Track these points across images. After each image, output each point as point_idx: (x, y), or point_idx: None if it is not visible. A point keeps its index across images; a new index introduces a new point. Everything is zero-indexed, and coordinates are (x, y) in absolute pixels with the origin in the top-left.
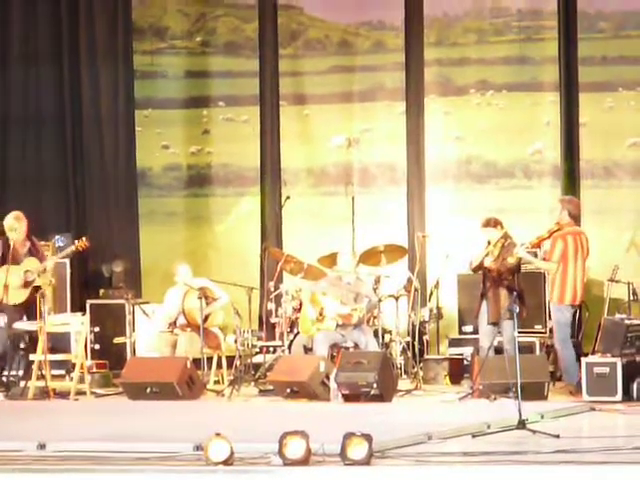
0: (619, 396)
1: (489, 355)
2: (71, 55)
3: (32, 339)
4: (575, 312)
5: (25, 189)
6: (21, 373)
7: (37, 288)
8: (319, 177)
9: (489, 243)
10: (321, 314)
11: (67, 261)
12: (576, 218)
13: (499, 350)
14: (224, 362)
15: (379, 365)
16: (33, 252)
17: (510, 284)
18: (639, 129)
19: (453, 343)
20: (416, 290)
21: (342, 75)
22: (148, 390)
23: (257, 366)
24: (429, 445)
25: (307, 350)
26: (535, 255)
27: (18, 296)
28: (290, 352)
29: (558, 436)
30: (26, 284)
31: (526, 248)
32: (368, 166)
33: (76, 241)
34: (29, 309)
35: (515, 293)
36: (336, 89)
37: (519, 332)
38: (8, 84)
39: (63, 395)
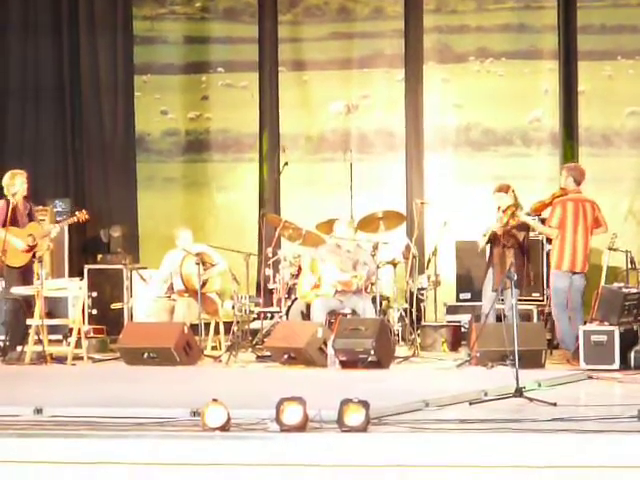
0: (616, 364)
1: (487, 322)
2: (70, 21)
3: (29, 304)
4: (572, 280)
5: (24, 154)
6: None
7: (34, 253)
8: (317, 143)
9: (499, 209)
10: (319, 280)
11: (65, 226)
12: (580, 185)
13: (501, 317)
14: (221, 328)
15: (377, 332)
16: (32, 216)
17: (516, 251)
18: (638, 98)
19: (450, 310)
20: (414, 257)
21: (341, 42)
22: (145, 355)
23: (254, 332)
24: (426, 412)
25: (305, 316)
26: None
27: (19, 259)
28: (287, 318)
29: (555, 404)
30: (29, 248)
31: (527, 213)
32: (366, 132)
33: (77, 212)
34: (27, 274)
35: (513, 260)
36: (335, 55)
37: (518, 300)
38: (7, 52)
39: (60, 360)
